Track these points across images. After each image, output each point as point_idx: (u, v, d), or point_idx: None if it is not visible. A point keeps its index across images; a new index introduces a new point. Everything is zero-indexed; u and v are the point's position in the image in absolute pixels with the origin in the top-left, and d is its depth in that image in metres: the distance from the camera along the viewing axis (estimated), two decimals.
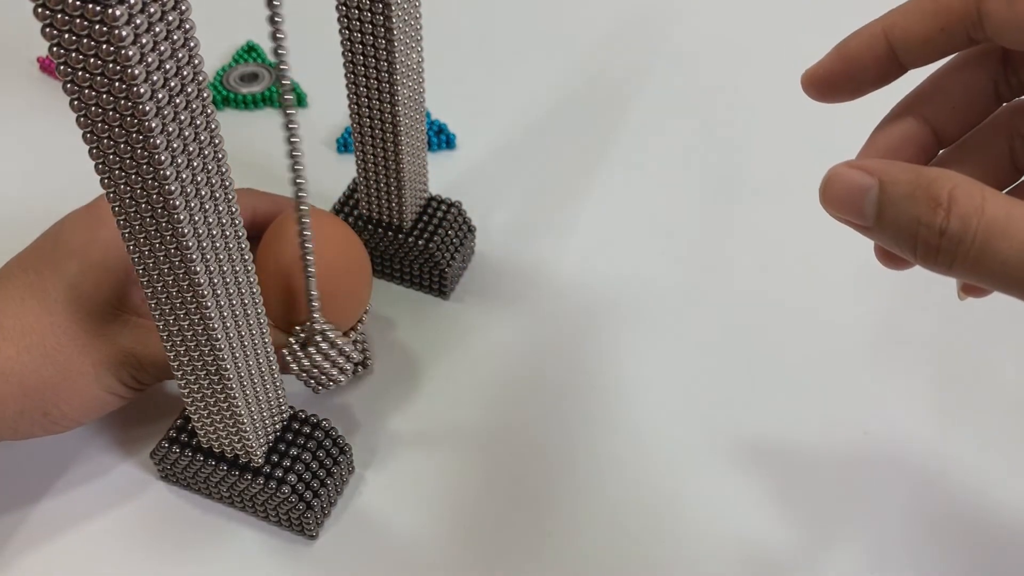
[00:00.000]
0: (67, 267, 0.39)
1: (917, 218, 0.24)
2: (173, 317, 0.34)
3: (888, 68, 0.29)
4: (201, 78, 0.28)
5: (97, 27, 0.24)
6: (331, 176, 0.54)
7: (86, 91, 0.26)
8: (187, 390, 0.37)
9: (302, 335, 0.40)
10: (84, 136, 0.28)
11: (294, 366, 0.40)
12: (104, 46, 0.25)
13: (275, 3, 0.30)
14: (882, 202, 0.25)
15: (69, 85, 0.26)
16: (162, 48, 0.26)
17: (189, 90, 0.27)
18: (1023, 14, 0.26)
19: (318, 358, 0.40)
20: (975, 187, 0.24)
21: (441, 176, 0.54)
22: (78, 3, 0.24)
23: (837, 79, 0.29)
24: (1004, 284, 0.24)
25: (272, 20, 0.31)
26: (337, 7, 0.40)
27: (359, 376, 0.46)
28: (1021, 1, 0.26)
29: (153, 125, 0.26)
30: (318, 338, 0.39)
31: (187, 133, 0.28)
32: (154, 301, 0.33)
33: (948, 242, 0.24)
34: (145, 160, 0.28)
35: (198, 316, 0.33)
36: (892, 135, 0.30)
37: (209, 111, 0.29)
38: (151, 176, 0.28)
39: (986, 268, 0.24)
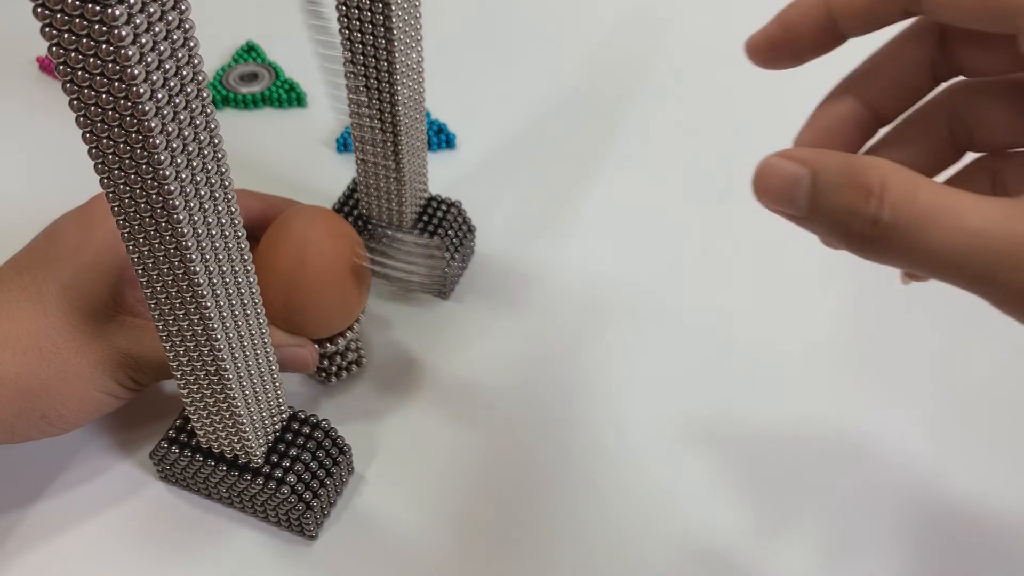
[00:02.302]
0: (61, 269, 0.39)
1: (849, 207, 0.24)
2: (173, 317, 0.33)
3: (827, 36, 0.29)
4: (201, 78, 0.28)
5: (97, 27, 0.24)
6: (331, 176, 0.54)
7: (86, 91, 0.26)
8: (186, 390, 0.37)
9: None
10: (84, 136, 0.28)
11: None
12: (104, 46, 0.25)
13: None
14: (814, 192, 0.25)
15: (69, 85, 0.26)
16: (162, 48, 0.26)
17: (189, 90, 0.27)
18: None
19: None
20: (907, 175, 0.24)
21: (441, 176, 0.54)
22: (78, 3, 0.24)
23: (777, 46, 0.29)
24: (937, 271, 0.24)
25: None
26: (337, 7, 0.40)
27: (353, 374, 0.46)
28: None
29: (152, 125, 0.26)
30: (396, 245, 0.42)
31: (187, 133, 0.28)
32: (153, 301, 0.33)
33: (881, 231, 0.24)
34: (144, 160, 0.28)
35: (198, 316, 0.33)
36: (830, 115, 0.30)
37: (209, 111, 0.29)
38: (151, 176, 0.28)
39: (919, 256, 0.24)
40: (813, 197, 0.25)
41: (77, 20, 0.24)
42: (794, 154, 0.26)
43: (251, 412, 0.38)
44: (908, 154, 0.29)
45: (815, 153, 0.26)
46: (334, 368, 0.45)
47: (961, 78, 0.29)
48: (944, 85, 0.29)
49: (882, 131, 0.30)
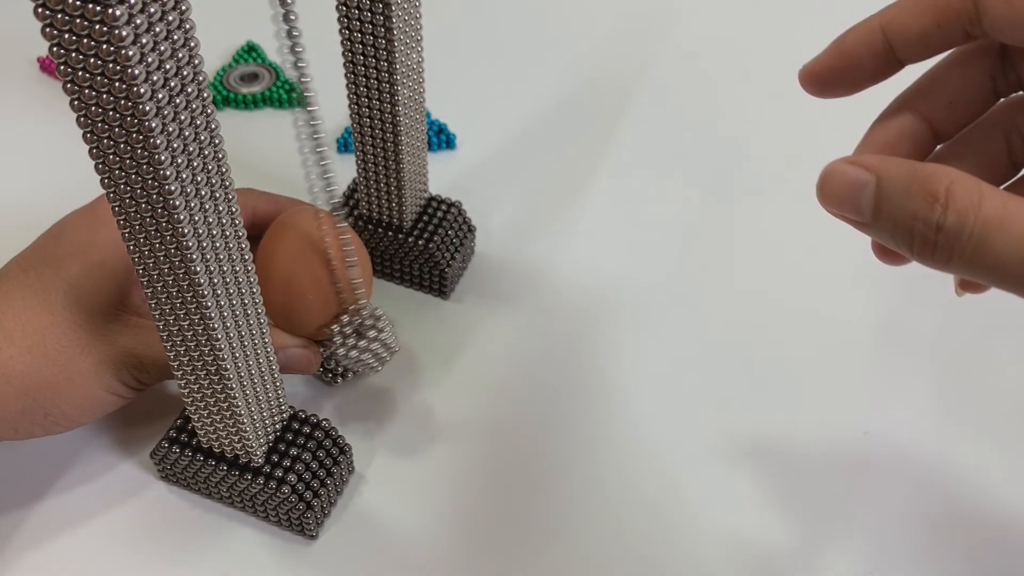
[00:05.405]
0: (68, 267, 0.39)
1: (914, 213, 0.24)
2: (173, 317, 0.34)
3: (885, 63, 0.29)
4: (201, 78, 0.28)
5: (97, 27, 0.24)
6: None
7: (86, 91, 0.26)
8: (187, 390, 0.37)
9: (355, 322, 0.40)
10: (84, 136, 0.28)
11: (343, 352, 0.40)
12: (104, 46, 0.25)
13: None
14: (879, 197, 0.25)
15: (69, 85, 0.26)
16: (162, 48, 0.26)
17: (189, 90, 0.28)
18: (1021, 10, 0.26)
19: (368, 345, 0.40)
20: (972, 183, 0.24)
21: (441, 176, 0.54)
22: (78, 3, 0.24)
23: (834, 74, 0.29)
24: (1000, 279, 0.24)
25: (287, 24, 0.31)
26: (337, 7, 0.40)
27: (358, 375, 0.46)
28: None
29: (153, 125, 0.26)
30: (369, 322, 0.40)
31: (187, 133, 0.28)
32: (154, 301, 0.33)
33: (945, 237, 0.24)
34: (145, 160, 0.28)
35: (198, 316, 0.33)
36: (889, 130, 0.30)
37: (209, 111, 0.29)
38: (151, 176, 0.28)
39: (982, 263, 0.24)
40: (877, 202, 0.25)
41: (78, 20, 0.24)
42: (859, 160, 0.26)
43: (251, 412, 0.38)
44: (964, 167, 0.29)
45: (880, 159, 0.26)
46: (340, 369, 0.45)
47: (1020, 93, 0.29)
48: (1003, 100, 0.29)
49: (939, 147, 0.30)
